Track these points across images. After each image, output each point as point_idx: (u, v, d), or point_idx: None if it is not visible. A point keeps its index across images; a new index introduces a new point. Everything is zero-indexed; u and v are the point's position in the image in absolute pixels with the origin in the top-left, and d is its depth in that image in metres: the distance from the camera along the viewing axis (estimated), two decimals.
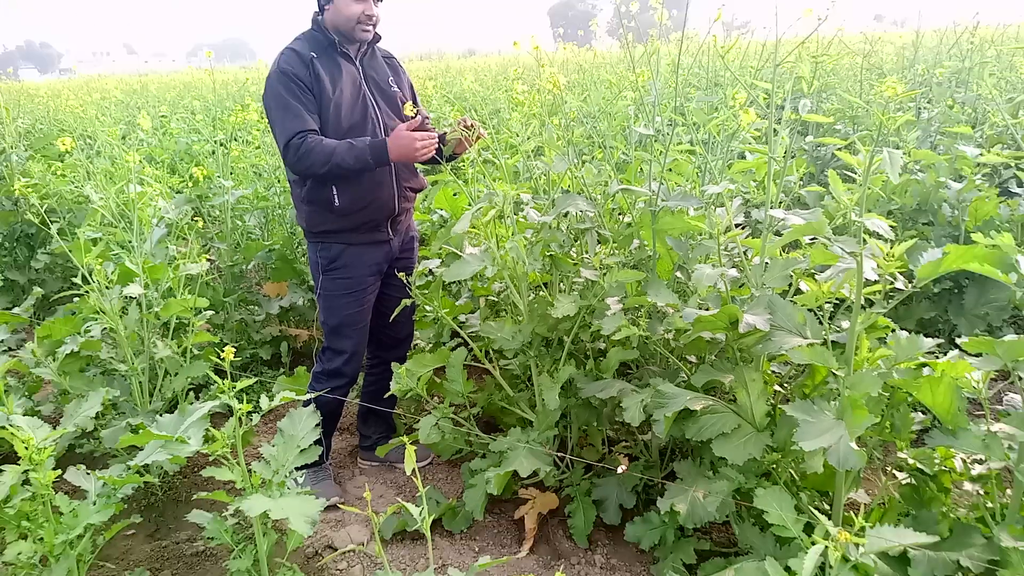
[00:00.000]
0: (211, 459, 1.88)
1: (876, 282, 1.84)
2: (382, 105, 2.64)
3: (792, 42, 2.02)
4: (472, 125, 2.46)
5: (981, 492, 1.92)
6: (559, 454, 2.60)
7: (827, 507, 2.10)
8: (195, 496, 1.99)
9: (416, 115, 2.44)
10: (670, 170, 2.44)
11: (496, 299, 3.03)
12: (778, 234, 2.08)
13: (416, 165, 2.75)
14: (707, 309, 2.07)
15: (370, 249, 2.70)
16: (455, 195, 3.58)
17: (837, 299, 1.97)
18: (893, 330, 2.00)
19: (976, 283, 3.12)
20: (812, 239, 2.13)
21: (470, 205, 2.70)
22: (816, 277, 2.00)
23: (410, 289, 2.72)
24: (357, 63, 2.62)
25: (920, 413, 2.08)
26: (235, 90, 8.84)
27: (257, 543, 1.95)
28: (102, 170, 4.14)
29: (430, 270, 3.04)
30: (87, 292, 2.71)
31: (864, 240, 1.78)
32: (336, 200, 2.56)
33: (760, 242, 2.12)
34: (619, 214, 2.66)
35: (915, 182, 3.42)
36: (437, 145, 2.49)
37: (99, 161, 4.65)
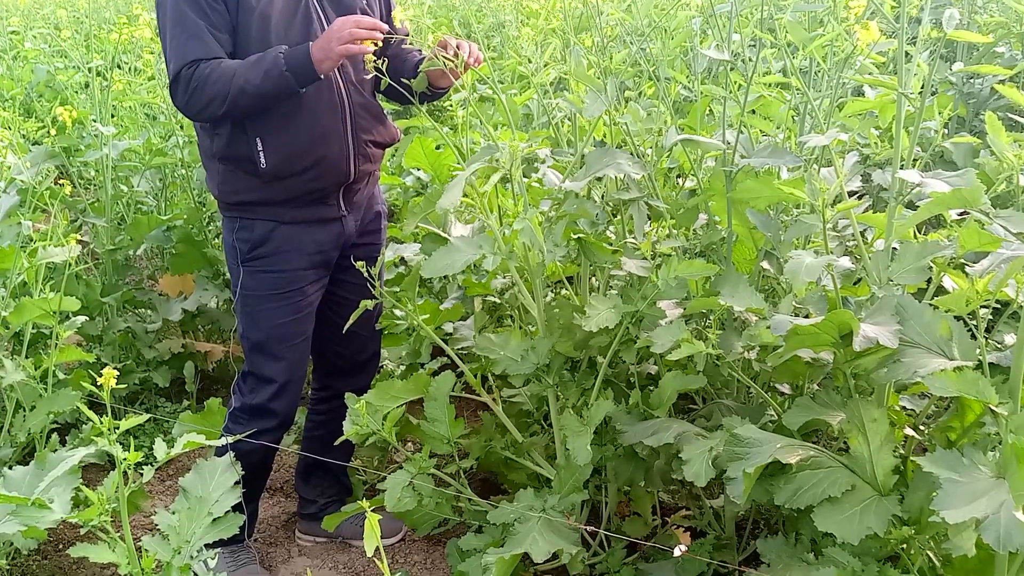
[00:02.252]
0: (83, 532, 1.88)
1: None
2: (333, 19, 2.64)
3: None
4: (460, 47, 2.45)
5: None
6: (590, 528, 2.60)
7: None
8: None
9: (379, 62, 2.39)
10: (753, 112, 2.43)
11: (498, 301, 3.03)
12: (911, 207, 2.07)
13: (385, 106, 2.75)
14: (807, 316, 2.07)
15: (312, 229, 2.70)
16: (437, 148, 3.59)
17: (998, 302, 1.96)
18: None
19: None
20: (961, 214, 2.12)
21: (459, 163, 2.70)
22: (967, 270, 2.00)
23: (373, 287, 2.72)
24: None
25: None
26: None
27: None
28: None
29: (402, 258, 3.05)
30: None
31: None
32: (262, 158, 2.56)
33: (885, 218, 2.11)
34: (678, 177, 2.66)
35: None
36: (371, 27, 2.40)
37: None
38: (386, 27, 2.44)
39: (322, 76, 2.45)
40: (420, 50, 2.47)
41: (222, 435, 2.72)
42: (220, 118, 2.53)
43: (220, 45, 2.48)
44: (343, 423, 2.67)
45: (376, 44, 2.38)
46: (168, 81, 2.52)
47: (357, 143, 2.66)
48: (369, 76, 2.52)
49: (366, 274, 2.68)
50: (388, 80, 2.45)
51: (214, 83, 2.43)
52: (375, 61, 2.39)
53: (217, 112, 2.48)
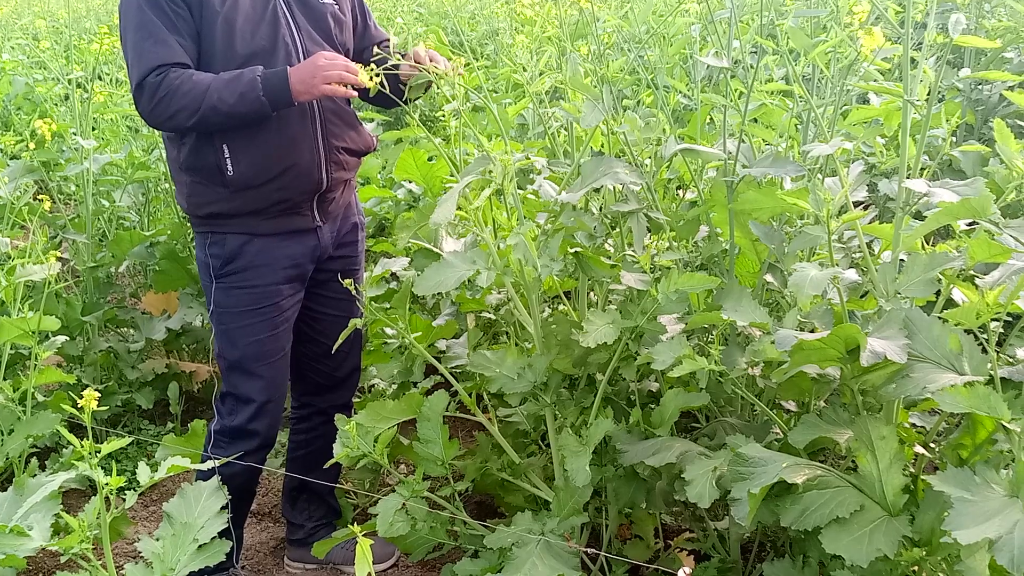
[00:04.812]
0: (63, 560, 1.88)
1: None
2: (302, 23, 2.63)
3: None
4: (433, 58, 2.45)
5: None
6: (590, 551, 2.60)
7: None
8: None
9: (373, 74, 2.36)
10: (755, 121, 2.44)
11: (493, 317, 3.04)
12: (919, 217, 2.08)
13: (363, 114, 2.76)
14: (812, 331, 2.07)
15: (285, 242, 2.70)
16: (429, 160, 3.60)
17: (1009, 315, 1.96)
18: None
19: None
20: (971, 224, 2.13)
21: (453, 176, 2.71)
22: (977, 282, 2.00)
23: (359, 302, 2.72)
24: None
25: None
26: (99, 4, 8.91)
27: None
28: None
29: (393, 273, 3.05)
30: None
31: None
32: (229, 167, 2.57)
33: (892, 229, 2.12)
34: (678, 188, 2.67)
35: None
36: (352, 68, 2.42)
37: None
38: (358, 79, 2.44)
39: (296, 104, 2.47)
40: (396, 55, 2.46)
41: (204, 459, 2.72)
42: (186, 129, 2.54)
43: (184, 51, 2.49)
44: (326, 442, 2.68)
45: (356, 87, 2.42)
46: (132, 88, 2.52)
47: (329, 150, 2.67)
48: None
49: (353, 291, 2.69)
50: (378, 86, 2.43)
51: (184, 95, 2.44)
52: (375, 74, 2.37)
53: (184, 124, 2.49)
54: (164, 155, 4.09)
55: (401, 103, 2.55)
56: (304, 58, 2.57)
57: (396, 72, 2.43)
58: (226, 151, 2.56)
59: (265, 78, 2.43)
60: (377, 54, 2.37)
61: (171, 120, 2.50)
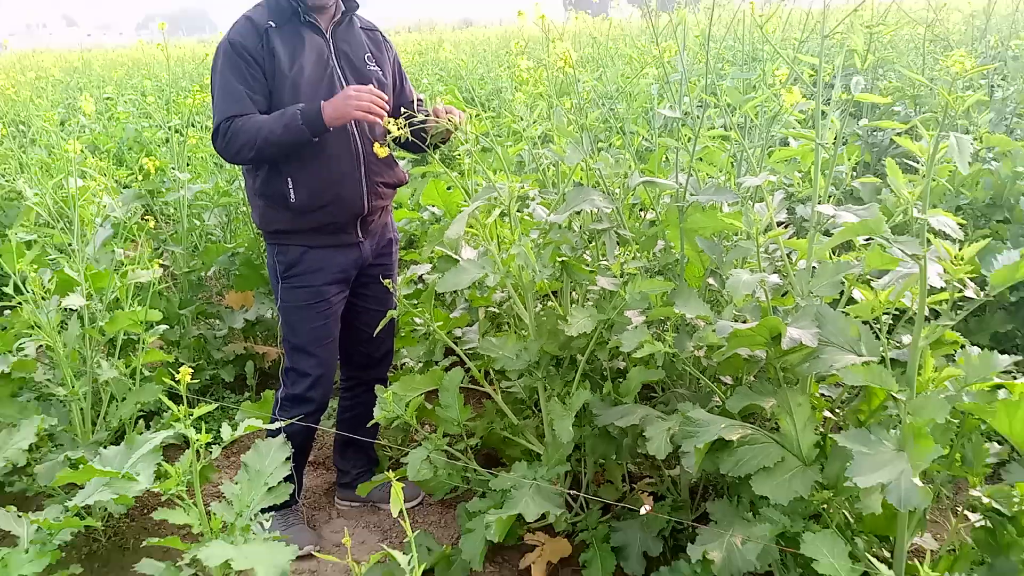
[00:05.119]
0: (163, 499, 1.88)
1: (943, 290, 1.84)
2: (352, 82, 2.63)
3: (842, 10, 2.03)
4: (450, 111, 2.47)
5: None
6: (572, 493, 2.60)
7: (887, 554, 2.09)
8: (144, 543, 1.99)
9: (400, 125, 2.33)
10: (700, 159, 2.44)
11: (497, 311, 3.03)
12: (827, 234, 2.08)
13: (396, 155, 2.76)
14: (744, 322, 2.07)
15: (335, 253, 2.70)
16: (448, 189, 3.59)
17: (897, 310, 1.96)
18: (963, 346, 2.00)
19: None
20: (867, 240, 2.13)
21: (466, 201, 2.71)
22: (872, 284, 2.00)
23: (395, 299, 2.73)
24: (327, 35, 2.62)
25: (996, 443, 2.07)
26: (192, 67, 8.91)
27: None
28: (37, 161, 4.16)
29: (420, 277, 3.04)
30: (20, 303, 2.71)
31: (928, 241, 1.77)
32: (292, 195, 2.57)
33: (806, 243, 2.12)
34: (641, 211, 2.66)
35: (988, 172, 3.42)
36: (382, 103, 2.43)
37: (34, 151, 4.67)
38: (384, 108, 2.44)
39: (331, 128, 2.47)
40: (424, 112, 2.48)
41: (272, 420, 2.72)
42: (250, 161, 2.55)
43: (255, 105, 2.51)
44: (367, 407, 2.68)
45: (384, 118, 2.39)
46: (212, 130, 2.55)
47: (370, 184, 2.67)
48: (380, 132, 2.51)
49: (392, 289, 2.71)
50: (407, 135, 2.42)
51: (244, 133, 2.46)
52: (399, 126, 2.35)
53: (248, 156, 2.51)
54: (243, 185, 4.11)
55: (426, 149, 2.56)
56: None
57: (423, 126, 2.44)
58: (290, 183, 2.56)
59: (303, 111, 2.44)
60: (406, 113, 2.35)
61: (238, 154, 2.51)
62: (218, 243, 4.10)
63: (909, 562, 1.96)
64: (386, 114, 2.44)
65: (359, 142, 2.61)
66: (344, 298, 2.79)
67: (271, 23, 2.53)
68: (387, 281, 2.75)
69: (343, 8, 2.65)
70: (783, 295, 2.28)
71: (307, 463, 3.03)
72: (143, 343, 2.89)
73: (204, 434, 1.85)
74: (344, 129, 2.56)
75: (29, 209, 3.52)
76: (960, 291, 1.83)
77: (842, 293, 2.12)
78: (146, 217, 3.42)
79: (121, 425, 2.86)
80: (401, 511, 1.73)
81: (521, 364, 2.46)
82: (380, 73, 2.71)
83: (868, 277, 2.10)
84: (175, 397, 2.68)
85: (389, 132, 2.32)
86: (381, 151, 2.38)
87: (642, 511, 2.46)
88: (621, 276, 2.36)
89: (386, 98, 2.46)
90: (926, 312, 1.82)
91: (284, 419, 2.65)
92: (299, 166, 2.55)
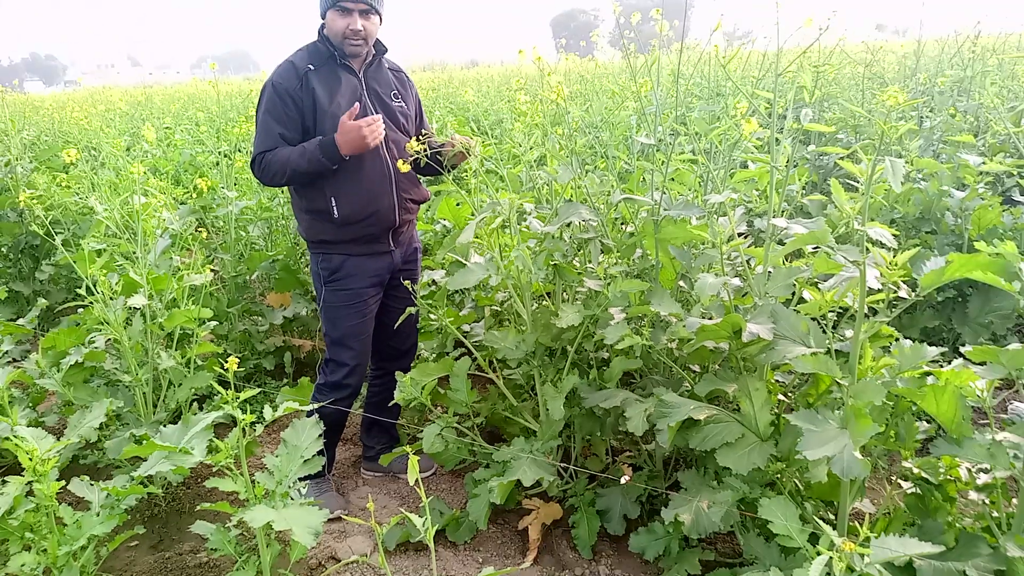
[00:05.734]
0: (214, 470, 1.88)
1: (879, 291, 1.84)
2: (382, 116, 2.65)
3: (794, 52, 2.03)
4: (463, 141, 2.53)
5: (986, 501, 1.91)
6: (563, 464, 2.60)
7: (832, 517, 2.09)
8: (198, 507, 1.99)
9: (421, 149, 2.42)
10: (672, 180, 2.44)
11: (500, 309, 3.03)
12: (781, 243, 2.08)
13: (418, 176, 2.77)
14: (710, 318, 2.07)
15: (371, 260, 2.71)
16: (458, 205, 3.59)
17: (841, 308, 1.96)
18: (897, 339, 2.00)
19: (980, 292, 3.12)
20: (815, 248, 2.13)
21: (473, 215, 2.71)
22: (819, 286, 2.00)
23: (415, 299, 2.73)
24: (360, 75, 2.64)
25: (925, 422, 2.07)
26: (239, 101, 8.90)
27: (260, 554, 1.95)
28: (106, 181, 4.16)
29: (434, 280, 3.04)
30: (91, 303, 2.72)
31: (867, 249, 1.78)
32: (335, 211, 2.58)
33: (763, 251, 2.12)
34: (622, 224, 2.66)
35: (918, 191, 3.43)
36: (379, 125, 2.49)
37: (103, 173, 4.67)
38: (379, 119, 2.51)
39: (347, 158, 2.50)
40: (438, 143, 2.59)
41: (311, 402, 2.72)
42: (282, 185, 2.61)
43: (287, 140, 2.54)
44: (393, 393, 2.67)
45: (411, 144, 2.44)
46: (251, 160, 2.60)
47: (400, 200, 2.68)
48: (409, 158, 2.53)
49: (411, 290, 2.71)
50: (426, 159, 2.48)
51: (274, 164, 2.52)
52: (419, 151, 2.42)
53: (280, 182, 2.57)
54: (289, 201, 4.11)
55: (441, 171, 2.59)
56: (384, 142, 2.60)
57: (439, 151, 2.47)
58: (333, 201, 2.58)
59: (321, 143, 2.48)
60: (426, 139, 2.42)
61: (272, 181, 2.56)
62: (261, 251, 4.10)
63: (851, 523, 1.96)
64: (386, 132, 2.56)
65: (391, 166, 2.63)
66: (379, 299, 2.80)
67: (310, 66, 2.55)
68: (407, 283, 2.75)
69: (374, 52, 2.67)
70: (743, 296, 2.28)
71: (339, 440, 3.03)
72: (196, 337, 2.89)
73: (249, 415, 1.85)
74: (377, 154, 2.59)
75: (99, 222, 3.53)
76: (895, 292, 1.83)
77: (794, 294, 2.13)
78: (199, 229, 3.42)
79: (178, 407, 2.86)
80: (417, 480, 1.74)
81: (520, 354, 2.46)
82: (404, 107, 2.73)
83: (816, 280, 2.11)
84: (224, 383, 2.68)
85: (417, 152, 2.41)
86: (404, 167, 2.43)
87: (623, 480, 2.46)
88: (605, 278, 2.36)
89: (379, 121, 2.51)
90: (865, 310, 1.82)
91: (323, 402, 2.66)
92: (339, 187, 2.57)
